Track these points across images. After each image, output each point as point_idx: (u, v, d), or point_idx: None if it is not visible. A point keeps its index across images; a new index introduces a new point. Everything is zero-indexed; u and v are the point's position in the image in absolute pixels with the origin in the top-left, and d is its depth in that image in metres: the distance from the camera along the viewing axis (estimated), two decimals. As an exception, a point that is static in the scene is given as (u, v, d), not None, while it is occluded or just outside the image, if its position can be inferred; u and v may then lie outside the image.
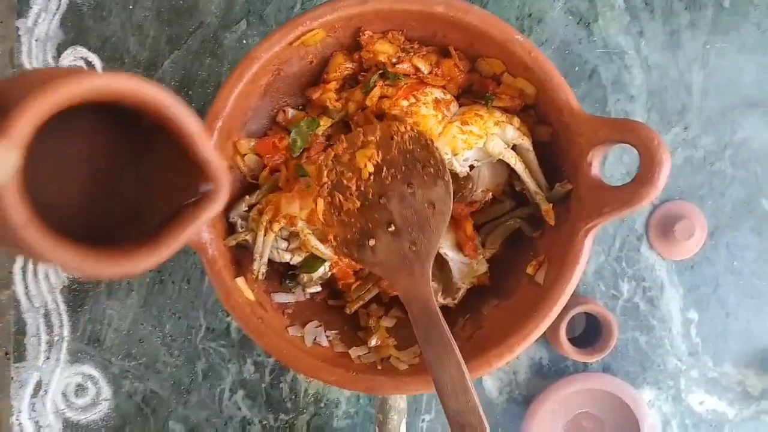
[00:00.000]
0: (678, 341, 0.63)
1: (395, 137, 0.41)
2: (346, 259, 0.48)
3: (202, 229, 0.26)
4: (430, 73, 0.46)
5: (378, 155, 0.41)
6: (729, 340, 0.63)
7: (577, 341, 0.62)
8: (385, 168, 0.41)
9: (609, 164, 0.63)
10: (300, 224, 0.45)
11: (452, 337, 0.36)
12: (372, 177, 0.41)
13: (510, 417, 0.63)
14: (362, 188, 0.41)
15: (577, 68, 0.63)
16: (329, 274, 0.48)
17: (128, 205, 0.31)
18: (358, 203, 0.41)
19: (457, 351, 0.34)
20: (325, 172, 0.42)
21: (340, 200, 0.42)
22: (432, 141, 0.42)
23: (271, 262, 0.47)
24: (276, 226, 0.45)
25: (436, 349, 0.35)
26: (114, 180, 0.31)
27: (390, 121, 0.45)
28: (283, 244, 0.47)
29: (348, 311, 0.49)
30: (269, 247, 0.45)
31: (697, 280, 0.63)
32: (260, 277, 0.45)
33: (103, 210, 0.30)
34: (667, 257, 0.63)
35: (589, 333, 0.63)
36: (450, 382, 0.34)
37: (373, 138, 0.42)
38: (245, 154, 0.48)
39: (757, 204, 0.63)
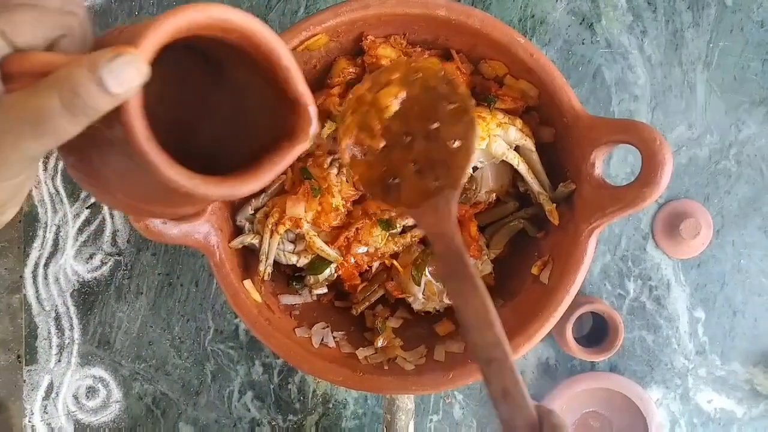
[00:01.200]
0: (685, 340, 0.63)
1: (419, 74, 0.39)
2: (353, 261, 0.48)
3: (294, 159, 0.28)
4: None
5: (401, 93, 0.40)
6: (736, 338, 0.63)
7: (584, 341, 0.62)
8: (408, 106, 0.40)
9: (614, 164, 0.63)
10: (305, 226, 0.45)
11: (477, 272, 0.35)
12: (396, 115, 0.40)
13: (517, 417, 0.63)
14: (386, 127, 0.40)
15: (580, 68, 0.63)
16: (335, 275, 0.48)
17: (218, 139, 0.33)
18: (382, 142, 0.40)
19: (482, 285, 0.33)
20: (349, 113, 0.41)
21: (364, 140, 0.40)
22: (455, 77, 0.40)
23: (278, 264, 0.48)
24: (281, 228, 0.45)
25: (460, 284, 0.33)
26: (205, 114, 0.33)
27: (410, 60, 0.43)
28: (290, 247, 0.47)
29: (354, 312, 0.50)
30: (275, 249, 0.46)
31: (703, 279, 0.63)
32: (266, 278, 0.46)
33: (196, 142, 0.32)
34: (673, 256, 0.63)
35: (596, 332, 0.63)
36: (474, 317, 0.32)
37: (396, 76, 0.40)
38: None
39: (763, 202, 0.63)
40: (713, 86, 0.63)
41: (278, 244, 0.46)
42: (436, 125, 0.38)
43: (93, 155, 0.28)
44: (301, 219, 0.45)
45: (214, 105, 0.33)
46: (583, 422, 0.63)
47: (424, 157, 0.38)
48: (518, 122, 0.45)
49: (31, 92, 0.24)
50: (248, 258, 0.47)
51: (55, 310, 0.64)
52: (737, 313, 0.63)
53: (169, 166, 0.25)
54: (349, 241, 0.46)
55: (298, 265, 0.48)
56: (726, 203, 0.63)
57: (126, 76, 0.24)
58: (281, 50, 0.28)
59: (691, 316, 0.63)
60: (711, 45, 0.63)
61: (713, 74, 0.63)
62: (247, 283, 0.45)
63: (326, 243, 0.46)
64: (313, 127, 0.28)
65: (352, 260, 0.47)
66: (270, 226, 0.45)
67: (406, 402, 0.51)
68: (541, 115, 0.46)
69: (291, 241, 0.47)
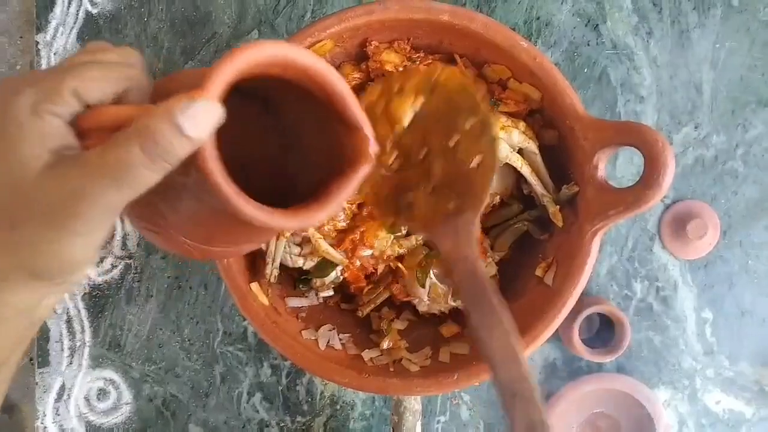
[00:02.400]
0: (693, 341, 0.63)
1: (436, 83, 0.36)
2: (359, 263, 0.48)
3: (359, 181, 0.29)
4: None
5: (417, 103, 0.37)
6: (744, 338, 0.63)
7: (590, 342, 0.62)
8: (424, 117, 0.36)
9: (620, 165, 0.63)
10: (311, 230, 0.46)
11: (502, 300, 0.33)
12: (410, 127, 0.37)
13: (524, 418, 0.64)
14: (398, 140, 0.37)
15: (586, 70, 0.64)
16: (341, 278, 0.49)
17: (281, 174, 0.34)
18: (394, 156, 0.37)
19: (507, 316, 0.31)
20: None
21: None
22: (475, 90, 0.36)
23: (284, 267, 0.48)
24: (287, 232, 0.46)
25: (483, 316, 0.31)
26: (260, 152, 0.34)
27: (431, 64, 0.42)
28: (296, 250, 0.48)
29: (360, 314, 0.50)
30: (281, 251, 0.46)
31: (711, 279, 0.63)
32: (272, 280, 0.46)
33: (260, 180, 0.32)
34: (680, 257, 0.63)
35: (603, 333, 0.63)
36: (499, 352, 0.30)
37: (411, 84, 0.37)
38: None
39: (771, 202, 0.63)
40: (720, 86, 0.63)
41: (284, 247, 0.47)
42: (453, 142, 0.36)
43: (159, 202, 0.29)
44: None
45: (270, 141, 0.34)
46: (590, 423, 0.63)
47: (441, 174, 0.36)
48: (521, 125, 0.45)
49: (110, 146, 0.24)
50: (255, 261, 0.48)
51: (67, 313, 0.65)
52: (745, 314, 0.63)
53: (249, 204, 0.26)
54: (355, 244, 0.47)
55: (304, 268, 0.49)
56: (733, 203, 0.63)
57: (202, 119, 0.24)
58: (336, 80, 0.29)
59: (699, 316, 0.63)
60: (717, 45, 0.63)
61: (720, 75, 0.63)
62: (254, 285, 0.45)
63: (332, 246, 0.47)
64: (372, 147, 0.30)
65: (358, 263, 0.48)
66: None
67: (413, 403, 0.52)
68: (545, 117, 0.46)
69: (297, 244, 0.48)
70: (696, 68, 0.63)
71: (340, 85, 0.29)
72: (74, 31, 0.66)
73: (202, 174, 0.25)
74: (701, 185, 0.63)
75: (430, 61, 0.47)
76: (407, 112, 0.37)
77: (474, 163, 0.35)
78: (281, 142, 0.34)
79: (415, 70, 0.39)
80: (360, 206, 0.48)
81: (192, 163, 0.25)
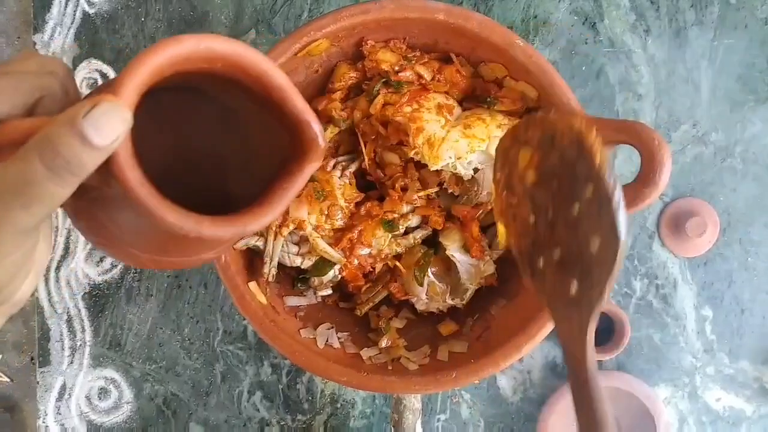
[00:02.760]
0: (693, 338, 0.63)
1: (555, 137, 0.31)
2: (357, 262, 0.48)
3: (306, 180, 0.27)
4: (432, 79, 0.47)
5: (536, 158, 0.32)
6: (745, 336, 0.63)
7: (589, 340, 0.63)
8: (547, 175, 0.32)
9: (619, 163, 0.63)
10: (308, 228, 0.46)
11: (605, 407, 0.30)
12: (538, 183, 0.33)
13: (525, 416, 0.64)
14: (530, 194, 0.33)
15: (584, 68, 0.64)
16: (339, 277, 0.49)
17: (223, 173, 0.31)
18: (528, 208, 0.33)
19: (607, 419, 0.29)
20: (499, 163, 0.35)
21: (510, 200, 0.34)
22: (592, 148, 0.30)
23: (282, 266, 0.48)
24: (285, 231, 0.46)
25: (582, 419, 0.30)
26: (212, 154, 0.31)
27: (546, 114, 0.36)
28: (294, 249, 0.48)
29: (358, 313, 0.50)
30: (279, 250, 0.46)
31: (710, 277, 0.63)
32: (270, 279, 0.46)
33: (199, 183, 0.30)
34: (679, 254, 0.63)
35: (603, 331, 0.63)
36: None
37: (533, 134, 0.33)
38: None
39: (770, 199, 0.63)
40: (718, 84, 0.63)
41: (282, 246, 0.47)
42: (575, 214, 0.31)
43: (101, 216, 0.27)
44: (304, 221, 0.46)
45: (220, 143, 0.31)
46: (590, 421, 0.63)
47: (565, 246, 0.31)
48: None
49: (11, 161, 0.22)
50: (253, 260, 0.48)
51: (67, 313, 0.66)
52: (745, 311, 0.63)
53: (171, 211, 0.24)
54: (353, 242, 0.47)
55: (302, 267, 0.49)
56: (732, 201, 0.63)
57: (108, 126, 0.22)
58: (272, 70, 0.26)
59: (699, 314, 0.63)
60: (715, 43, 0.63)
61: (717, 72, 0.63)
62: (253, 285, 0.45)
63: (330, 245, 0.47)
64: (321, 142, 0.27)
65: (356, 261, 0.48)
66: (274, 228, 0.46)
67: (413, 401, 0.52)
68: (542, 116, 0.46)
69: (295, 243, 0.48)
70: (694, 66, 0.63)
71: (277, 76, 0.26)
72: (71, 31, 0.66)
73: (119, 183, 0.23)
74: (700, 183, 0.63)
75: (426, 60, 0.47)
76: (530, 169, 0.33)
77: (594, 247, 0.30)
78: (237, 140, 0.31)
79: (536, 118, 0.34)
80: (358, 205, 0.48)
81: (110, 172, 0.23)
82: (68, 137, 0.22)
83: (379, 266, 0.49)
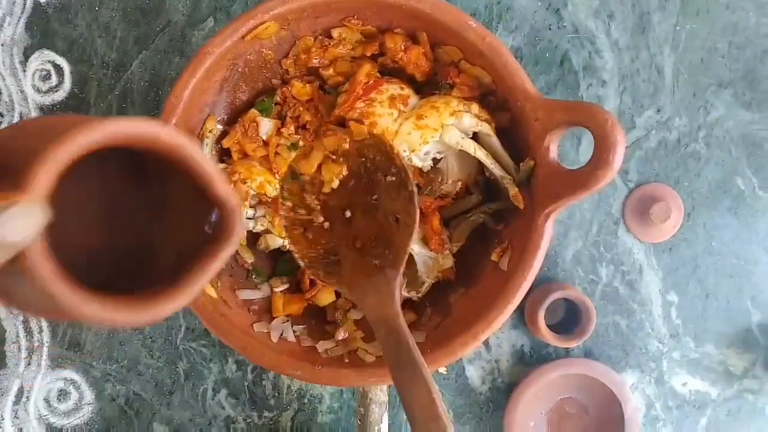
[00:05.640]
0: (659, 324, 0.63)
1: (357, 146, 0.37)
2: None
3: (220, 268, 0.27)
4: (398, 54, 0.45)
5: (343, 169, 0.37)
6: (709, 320, 0.63)
7: (558, 327, 0.62)
8: (347, 179, 0.37)
9: (583, 150, 0.63)
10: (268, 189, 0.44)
11: (423, 359, 0.33)
12: (336, 190, 0.37)
13: (493, 405, 0.63)
14: (324, 202, 0.37)
15: (548, 54, 0.63)
16: (288, 247, 0.47)
17: (142, 247, 0.31)
18: (321, 218, 0.37)
19: (428, 374, 0.31)
20: (285, 189, 0.38)
21: (301, 216, 0.38)
22: (392, 147, 0.37)
23: (235, 259, 0.47)
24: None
25: (404, 372, 0.32)
26: (124, 224, 0.31)
27: (349, 128, 0.41)
28: (250, 212, 0.46)
29: (307, 299, 0.49)
30: None
31: (675, 262, 0.63)
32: None
33: (117, 253, 0.30)
34: (644, 240, 0.63)
35: (570, 319, 0.63)
36: (420, 410, 0.30)
37: (336, 151, 0.37)
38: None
39: (733, 183, 0.63)
40: (681, 69, 0.63)
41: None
42: (375, 201, 0.36)
43: (9, 287, 0.26)
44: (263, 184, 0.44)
45: (139, 208, 0.31)
46: (558, 409, 0.63)
47: (365, 234, 0.36)
48: (474, 107, 0.44)
49: None
50: None
51: (23, 313, 0.63)
52: (710, 296, 0.63)
53: (85, 304, 0.23)
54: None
55: (254, 231, 0.48)
56: (696, 186, 0.63)
57: (21, 225, 0.22)
58: (195, 156, 0.26)
59: (664, 299, 0.63)
60: (678, 28, 0.63)
61: (680, 57, 0.63)
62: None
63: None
64: (239, 228, 0.27)
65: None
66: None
67: (379, 394, 0.51)
68: (498, 99, 0.46)
69: (252, 207, 0.46)
70: (657, 51, 0.63)
71: (201, 161, 0.26)
72: (22, 21, 0.64)
73: (30, 276, 0.23)
74: (664, 168, 0.63)
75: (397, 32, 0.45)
76: (336, 176, 0.37)
77: (394, 220, 0.35)
78: (159, 211, 0.31)
79: (340, 137, 0.38)
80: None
81: (20, 259, 0.23)
82: None
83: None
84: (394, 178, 0.36)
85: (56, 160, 0.23)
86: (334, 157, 0.38)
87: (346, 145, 0.38)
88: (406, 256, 0.35)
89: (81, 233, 0.27)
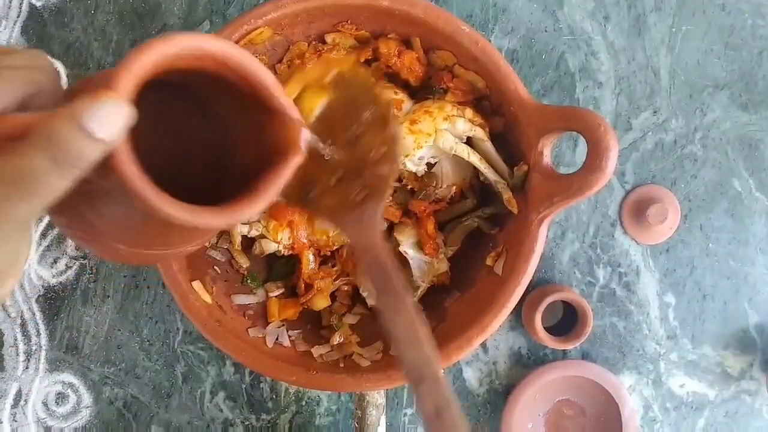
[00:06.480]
0: (656, 325, 0.63)
1: (340, 78, 0.37)
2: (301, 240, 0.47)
3: (291, 172, 0.29)
4: (391, 59, 0.46)
5: (324, 97, 0.36)
6: (707, 321, 0.63)
7: (555, 329, 0.62)
8: (329, 111, 0.37)
9: (579, 152, 0.63)
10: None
11: (405, 288, 0.33)
12: (317, 120, 0.37)
13: (491, 407, 0.63)
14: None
15: (543, 57, 0.63)
16: (283, 251, 0.48)
17: (216, 169, 0.33)
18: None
19: (410, 301, 0.32)
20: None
21: None
22: (374, 83, 0.37)
23: (230, 265, 0.47)
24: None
25: (387, 299, 0.32)
26: (193, 146, 0.33)
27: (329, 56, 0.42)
28: None
29: (302, 304, 0.49)
30: None
31: (672, 264, 0.63)
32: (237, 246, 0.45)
33: (187, 175, 0.31)
34: (641, 242, 0.63)
35: (567, 321, 0.63)
36: (403, 335, 0.31)
37: (315, 77, 0.37)
38: None
39: (730, 185, 0.63)
40: (677, 70, 0.63)
41: None
42: (357, 132, 0.36)
43: (85, 210, 0.28)
44: None
45: (201, 137, 0.33)
46: (555, 410, 0.63)
47: (346, 165, 0.36)
48: (468, 112, 0.44)
49: (13, 156, 0.23)
50: (195, 259, 0.47)
51: (21, 317, 0.64)
52: (707, 297, 0.63)
53: (170, 203, 0.25)
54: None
55: (248, 236, 0.48)
56: (693, 187, 0.63)
57: (111, 120, 0.23)
58: (257, 68, 0.28)
59: (662, 301, 0.63)
60: (674, 29, 0.63)
61: (677, 59, 0.63)
62: (196, 284, 0.44)
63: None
64: (304, 136, 0.29)
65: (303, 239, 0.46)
66: None
67: (376, 397, 0.51)
68: (492, 104, 0.46)
69: None
70: (653, 52, 0.63)
71: (262, 73, 0.28)
72: (18, 25, 0.64)
73: (119, 176, 0.24)
74: (661, 170, 0.63)
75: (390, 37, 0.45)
76: (316, 106, 0.37)
77: (377, 154, 0.35)
78: (214, 134, 0.33)
79: (321, 62, 0.40)
80: None
81: (107, 166, 0.24)
82: (73, 131, 0.23)
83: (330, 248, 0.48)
84: (376, 115, 0.36)
85: (140, 62, 0.24)
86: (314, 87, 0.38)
87: (328, 78, 0.37)
88: (390, 187, 0.36)
89: (155, 156, 0.28)
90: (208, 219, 0.26)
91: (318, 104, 0.37)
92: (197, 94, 0.32)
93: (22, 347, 0.64)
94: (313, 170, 0.36)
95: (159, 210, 0.25)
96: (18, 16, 0.63)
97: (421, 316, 0.32)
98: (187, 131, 0.33)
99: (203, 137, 0.33)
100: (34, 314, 0.64)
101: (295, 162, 0.29)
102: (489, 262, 0.45)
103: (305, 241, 0.47)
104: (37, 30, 0.64)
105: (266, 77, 0.28)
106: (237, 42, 0.42)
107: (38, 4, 0.64)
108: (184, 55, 0.26)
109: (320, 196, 0.36)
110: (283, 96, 0.28)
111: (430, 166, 0.45)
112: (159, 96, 0.29)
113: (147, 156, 0.26)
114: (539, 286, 0.61)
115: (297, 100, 0.37)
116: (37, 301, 0.63)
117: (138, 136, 0.25)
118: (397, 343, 0.32)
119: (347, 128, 0.36)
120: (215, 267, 0.48)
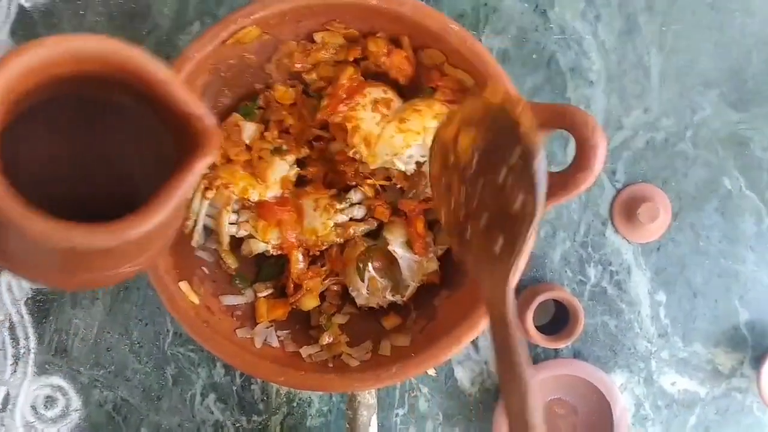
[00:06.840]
0: (647, 323, 0.63)
1: (490, 113, 0.34)
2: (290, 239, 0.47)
3: (196, 181, 0.25)
4: (380, 58, 0.45)
5: (477, 136, 0.35)
6: (698, 319, 0.63)
7: (546, 328, 0.62)
8: (480, 151, 0.35)
9: (570, 150, 0.63)
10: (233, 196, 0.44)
11: (525, 356, 0.31)
12: (469, 161, 0.35)
13: (483, 407, 0.63)
14: (461, 171, 0.35)
15: (535, 56, 0.63)
16: (272, 251, 0.48)
17: (125, 180, 0.30)
18: (461, 185, 0.35)
19: (527, 377, 0.30)
20: (437, 146, 0.36)
21: (447, 180, 0.36)
22: (519, 119, 0.33)
23: (218, 265, 0.47)
24: (209, 193, 0.44)
25: (504, 365, 0.31)
26: (108, 161, 0.30)
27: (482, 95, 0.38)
28: (233, 217, 0.46)
29: (293, 304, 0.49)
30: (204, 212, 0.45)
31: (663, 262, 0.63)
32: (194, 244, 0.44)
33: (97, 192, 0.29)
34: (632, 240, 0.63)
35: (558, 320, 0.63)
36: (515, 408, 0.30)
37: (474, 115, 0.35)
38: None
39: (720, 183, 0.63)
40: (668, 70, 0.63)
41: (224, 217, 0.45)
42: (501, 180, 0.34)
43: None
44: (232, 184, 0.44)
45: (117, 150, 0.30)
46: (547, 409, 0.63)
47: (492, 209, 0.34)
48: (457, 111, 0.44)
49: None
50: (182, 260, 0.46)
51: (9, 320, 0.63)
52: (698, 295, 0.63)
53: (35, 221, 0.22)
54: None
55: (237, 236, 0.47)
56: (683, 186, 0.63)
57: None
58: (151, 66, 0.25)
59: (653, 299, 0.63)
60: (664, 28, 0.63)
61: (667, 57, 0.63)
62: (183, 284, 0.44)
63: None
64: (212, 132, 0.25)
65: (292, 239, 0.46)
66: (201, 188, 0.44)
67: (368, 397, 0.51)
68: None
69: (234, 212, 0.47)
70: (644, 51, 0.63)
71: (152, 67, 0.25)
72: (7, 26, 0.63)
73: None
74: (652, 168, 0.63)
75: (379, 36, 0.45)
76: (471, 146, 0.35)
77: (517, 205, 0.33)
78: (124, 147, 0.30)
79: (476, 97, 0.37)
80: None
81: None
82: None
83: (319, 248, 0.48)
84: (520, 155, 0.33)
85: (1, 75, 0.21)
86: (464, 119, 0.36)
87: (479, 113, 0.35)
88: (526, 247, 0.34)
89: (48, 171, 0.26)
90: (87, 238, 0.23)
91: (472, 142, 0.35)
92: (106, 104, 0.29)
93: (10, 351, 0.63)
94: (468, 209, 0.35)
95: (26, 231, 0.22)
96: (7, 18, 0.63)
97: (536, 385, 0.32)
98: (100, 144, 0.30)
99: (117, 149, 0.30)
100: (22, 317, 0.63)
101: (202, 164, 0.25)
102: (479, 260, 0.45)
103: (294, 240, 0.46)
104: (27, 31, 0.63)
105: (159, 71, 0.25)
106: (224, 41, 0.42)
107: (27, 5, 0.63)
108: (60, 60, 0.23)
109: (472, 238, 0.35)
110: (181, 90, 0.25)
111: (419, 164, 0.45)
112: (68, 110, 0.27)
113: (45, 177, 0.24)
114: (530, 285, 0.61)
115: (455, 138, 0.36)
116: (25, 303, 0.63)
117: (34, 151, 0.23)
118: (508, 416, 0.31)
119: (494, 170, 0.34)
120: (203, 267, 0.48)
